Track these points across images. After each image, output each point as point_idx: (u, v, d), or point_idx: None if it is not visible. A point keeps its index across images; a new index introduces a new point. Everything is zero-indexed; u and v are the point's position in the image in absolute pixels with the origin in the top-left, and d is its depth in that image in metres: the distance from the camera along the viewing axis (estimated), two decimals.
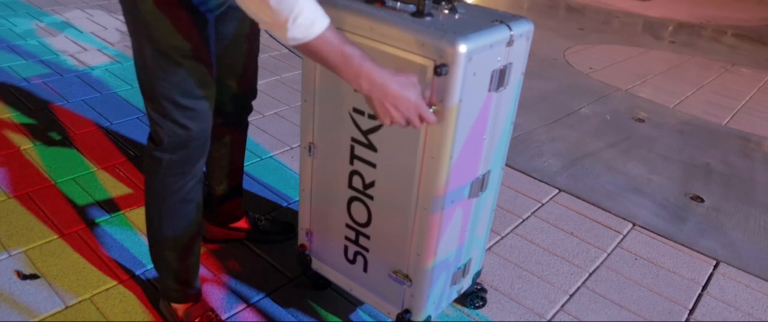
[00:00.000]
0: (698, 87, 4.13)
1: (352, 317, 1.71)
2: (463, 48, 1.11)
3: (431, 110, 1.17)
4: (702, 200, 2.58)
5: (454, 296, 1.62)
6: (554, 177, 2.61)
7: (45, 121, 2.59)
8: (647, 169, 2.81)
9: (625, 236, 2.25)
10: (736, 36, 5.99)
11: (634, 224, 2.33)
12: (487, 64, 1.21)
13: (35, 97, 2.79)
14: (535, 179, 2.58)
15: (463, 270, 1.58)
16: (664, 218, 2.41)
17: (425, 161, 1.26)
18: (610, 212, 2.39)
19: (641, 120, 3.40)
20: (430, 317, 1.51)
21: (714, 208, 2.53)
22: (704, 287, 2.03)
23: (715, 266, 2.14)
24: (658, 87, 4.03)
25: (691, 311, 1.91)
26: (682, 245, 2.24)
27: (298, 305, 1.73)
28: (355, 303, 1.75)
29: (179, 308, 1.56)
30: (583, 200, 2.45)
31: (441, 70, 1.12)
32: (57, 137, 2.47)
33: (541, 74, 3.94)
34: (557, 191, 2.51)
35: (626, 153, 2.94)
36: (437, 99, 1.18)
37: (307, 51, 1.06)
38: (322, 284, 1.78)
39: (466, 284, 1.65)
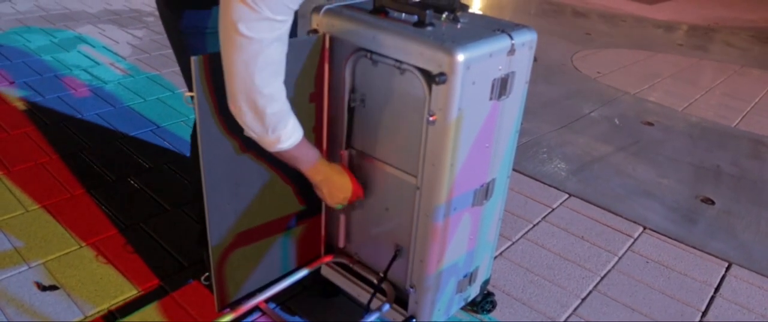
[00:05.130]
0: (707, 90, 4.13)
1: None
2: (460, 57, 1.14)
3: (431, 119, 1.21)
4: (712, 203, 2.58)
5: (461, 303, 1.64)
6: (564, 182, 2.62)
7: (60, 135, 2.64)
8: (657, 172, 2.81)
9: (636, 240, 2.25)
10: (746, 37, 5.96)
11: (644, 228, 2.33)
12: (486, 72, 1.23)
13: (51, 111, 2.85)
14: (545, 184, 2.59)
15: (470, 278, 1.59)
16: (674, 220, 2.41)
17: (426, 170, 1.28)
18: (620, 216, 2.40)
19: (650, 123, 3.40)
20: None
21: (725, 210, 2.53)
22: (717, 289, 2.03)
23: (727, 268, 2.14)
24: (667, 90, 4.03)
25: (704, 313, 1.91)
26: (694, 247, 2.24)
27: (312, 312, 1.75)
28: (363, 311, 1.77)
29: None
30: (594, 205, 2.46)
31: (439, 78, 1.15)
32: (72, 151, 2.52)
33: (549, 79, 3.95)
34: (567, 195, 2.52)
35: (636, 157, 2.95)
36: (436, 108, 1.20)
37: (284, 155, 1.27)
38: (332, 291, 1.80)
39: (473, 291, 1.66)
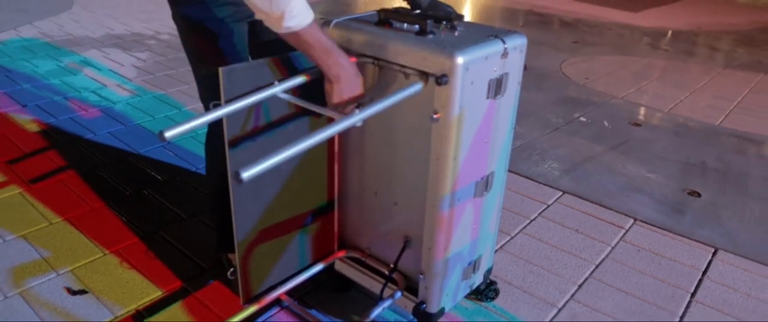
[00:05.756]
0: (692, 91, 4.29)
1: (375, 313, 1.84)
2: (460, 60, 1.28)
3: (435, 117, 1.34)
4: (699, 195, 2.72)
5: (467, 290, 1.76)
6: (558, 180, 2.76)
7: (75, 153, 2.76)
8: (646, 169, 2.95)
9: (627, 231, 2.39)
10: (729, 41, 6.16)
11: (635, 219, 2.47)
12: (483, 74, 1.37)
13: (64, 131, 2.98)
14: (539, 183, 2.73)
15: (474, 266, 1.72)
16: (663, 212, 2.55)
17: (432, 162, 1.42)
18: (612, 210, 2.53)
19: (638, 124, 3.55)
20: (443, 309, 1.65)
21: (711, 202, 2.67)
22: (704, 273, 2.16)
23: (714, 254, 2.28)
24: (653, 93, 4.19)
25: (693, 294, 2.04)
26: (682, 236, 2.38)
27: (327, 305, 1.87)
28: (376, 300, 1.89)
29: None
30: (587, 200, 2.60)
31: (441, 80, 1.29)
32: (89, 167, 2.64)
33: (539, 87, 4.11)
34: (561, 192, 2.65)
35: (625, 155, 3.09)
36: (439, 106, 1.34)
37: (297, 40, 1.27)
38: (345, 286, 1.92)
39: (477, 279, 1.79)
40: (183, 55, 4.37)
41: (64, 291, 1.89)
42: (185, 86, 3.69)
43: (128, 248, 2.10)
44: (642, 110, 3.82)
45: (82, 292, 1.89)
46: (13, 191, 2.43)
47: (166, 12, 6.04)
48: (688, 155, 3.16)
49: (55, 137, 2.91)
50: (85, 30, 4.80)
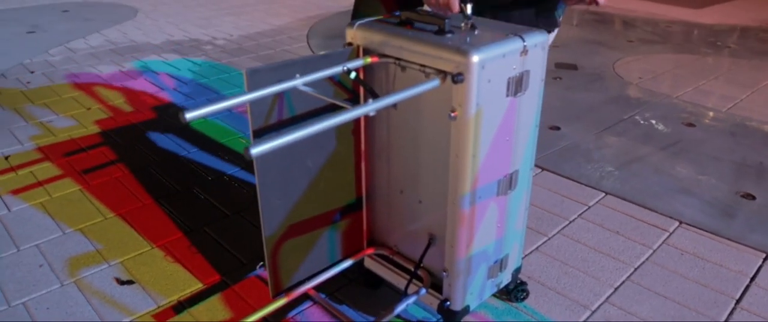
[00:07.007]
0: (753, 90, 4.09)
1: (399, 309, 1.86)
2: (475, 58, 1.29)
3: (453, 115, 1.36)
4: (753, 198, 2.60)
5: (494, 289, 1.76)
6: (601, 181, 2.70)
7: (132, 152, 2.92)
8: (696, 170, 2.84)
9: (671, 234, 2.31)
10: None
11: (680, 222, 2.39)
12: (501, 71, 1.37)
13: (123, 131, 3.15)
14: (581, 184, 2.68)
15: (501, 265, 1.72)
16: (712, 215, 2.45)
17: (451, 160, 1.43)
18: (656, 212, 2.46)
19: (692, 124, 3.42)
20: (468, 307, 1.65)
21: (766, 205, 2.55)
22: (753, 279, 2.07)
23: (765, 259, 2.17)
24: (710, 92, 4.02)
25: (739, 300, 1.96)
26: (730, 240, 2.28)
27: (357, 301, 1.92)
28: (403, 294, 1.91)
29: None
30: (630, 202, 2.53)
31: (457, 78, 1.30)
32: (142, 166, 2.79)
33: (589, 87, 4.02)
34: (604, 194, 2.59)
35: (675, 156, 2.99)
36: (457, 104, 1.35)
37: None
38: (375, 282, 1.96)
39: (505, 278, 1.78)
40: (236, 59, 4.52)
41: (114, 281, 2.01)
42: (237, 89, 3.82)
43: (173, 243, 2.21)
44: (697, 110, 3.67)
45: (130, 282, 2.01)
46: (73, 187, 2.60)
47: (223, 19, 6.23)
48: (744, 156, 3.02)
49: (114, 138, 3.09)
50: (146, 37, 5.05)
